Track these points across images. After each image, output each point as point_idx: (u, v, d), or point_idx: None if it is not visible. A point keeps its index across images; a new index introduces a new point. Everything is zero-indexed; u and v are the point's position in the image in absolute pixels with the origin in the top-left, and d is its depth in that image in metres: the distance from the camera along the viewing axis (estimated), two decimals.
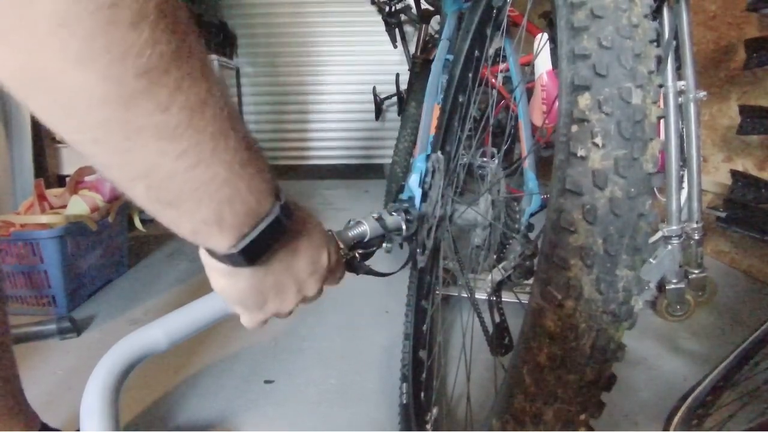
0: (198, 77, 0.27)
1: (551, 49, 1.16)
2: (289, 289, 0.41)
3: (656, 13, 1.02)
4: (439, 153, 0.92)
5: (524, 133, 1.11)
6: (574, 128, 0.37)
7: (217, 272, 0.38)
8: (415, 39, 2.41)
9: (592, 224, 0.34)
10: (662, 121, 1.03)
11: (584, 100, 0.38)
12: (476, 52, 0.94)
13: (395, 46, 3.10)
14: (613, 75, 0.38)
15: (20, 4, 0.22)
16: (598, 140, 0.36)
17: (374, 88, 3.23)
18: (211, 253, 0.35)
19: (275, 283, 0.39)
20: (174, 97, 0.26)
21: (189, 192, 0.30)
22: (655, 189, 0.37)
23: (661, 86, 0.40)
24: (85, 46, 0.23)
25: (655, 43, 0.41)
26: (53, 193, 1.50)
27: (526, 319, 0.37)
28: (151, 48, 0.25)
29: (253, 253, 0.34)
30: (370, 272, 0.59)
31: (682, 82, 1.04)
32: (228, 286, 0.38)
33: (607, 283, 0.34)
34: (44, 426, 0.77)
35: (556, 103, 0.39)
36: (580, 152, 0.36)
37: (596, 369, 0.34)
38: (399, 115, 3.08)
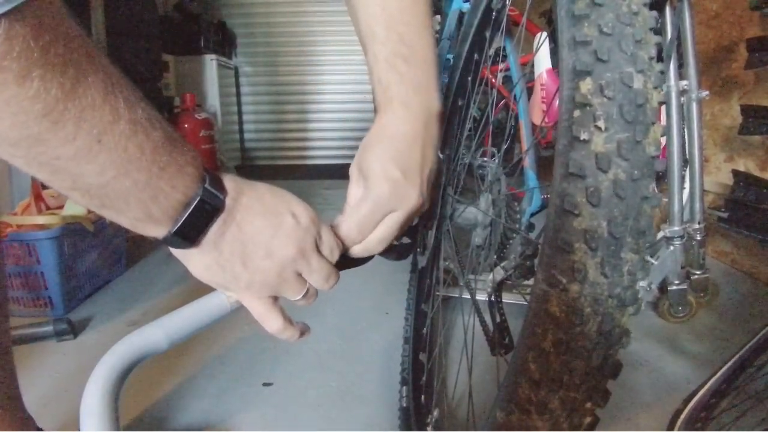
0: (100, 104, 0.31)
1: (550, 48, 1.16)
2: (255, 255, 0.42)
3: (659, 13, 1.02)
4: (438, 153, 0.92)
5: (524, 133, 1.10)
6: (577, 113, 0.37)
7: (182, 258, 0.42)
8: None
9: (596, 207, 0.34)
10: (664, 118, 1.02)
11: (586, 85, 0.38)
12: (476, 55, 0.94)
13: None
14: (615, 60, 0.38)
15: None
16: (601, 124, 0.35)
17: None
18: (159, 240, 0.39)
19: (233, 254, 0.41)
20: (79, 127, 0.30)
21: (115, 197, 0.35)
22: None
23: (662, 72, 0.40)
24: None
25: (655, 31, 0.41)
26: (50, 194, 1.49)
27: (531, 305, 0.36)
28: (44, 94, 0.28)
29: (190, 234, 0.39)
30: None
31: (684, 82, 1.04)
32: (194, 268, 0.42)
33: (611, 267, 0.33)
34: (39, 430, 0.76)
35: (555, 103, 0.39)
36: (583, 136, 0.35)
37: (602, 355, 0.34)
38: None
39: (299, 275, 0.45)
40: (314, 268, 0.45)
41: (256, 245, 0.41)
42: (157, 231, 0.38)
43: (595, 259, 0.33)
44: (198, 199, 0.38)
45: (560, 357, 0.34)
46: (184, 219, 0.37)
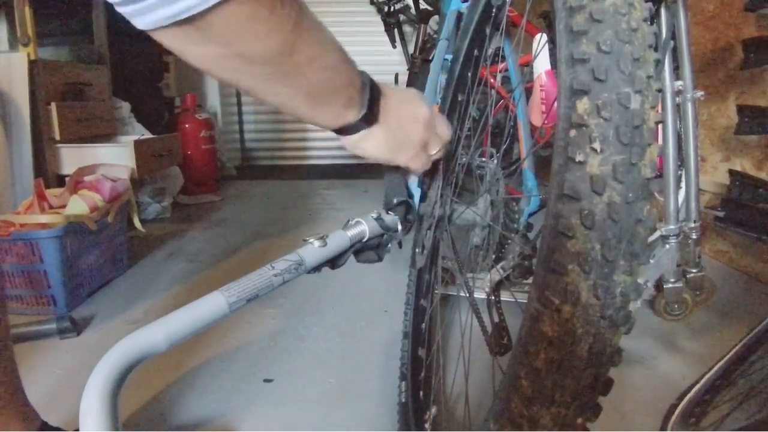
0: (315, 18, 0.44)
1: (550, 50, 1.16)
2: (408, 120, 0.57)
3: (654, 13, 1.02)
4: None
5: (523, 134, 1.11)
6: (573, 133, 0.37)
7: (360, 143, 0.55)
8: (414, 39, 2.41)
9: (590, 229, 0.34)
10: (661, 132, 1.03)
11: (583, 105, 0.38)
12: (475, 51, 0.94)
13: (394, 46, 3.09)
14: (612, 80, 0.38)
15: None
16: (597, 145, 0.36)
17: None
18: (346, 130, 0.53)
19: (395, 123, 0.55)
20: (311, 35, 0.42)
21: (330, 91, 0.48)
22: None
23: (659, 91, 0.40)
24: (269, 25, 0.38)
25: (654, 48, 0.41)
26: (53, 193, 1.50)
27: (524, 324, 0.37)
28: (288, 11, 0.39)
29: (373, 108, 0.52)
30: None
31: (679, 82, 1.04)
32: (370, 147, 0.55)
33: (604, 289, 0.34)
34: (44, 424, 0.77)
35: (555, 104, 0.40)
36: (579, 157, 0.36)
37: (593, 373, 0.35)
38: None
39: (435, 133, 0.61)
40: (440, 121, 0.62)
41: (407, 112, 0.57)
42: (353, 115, 0.51)
43: (588, 282, 0.34)
44: (370, 81, 0.52)
45: (552, 375, 0.35)
46: (368, 98, 0.51)
